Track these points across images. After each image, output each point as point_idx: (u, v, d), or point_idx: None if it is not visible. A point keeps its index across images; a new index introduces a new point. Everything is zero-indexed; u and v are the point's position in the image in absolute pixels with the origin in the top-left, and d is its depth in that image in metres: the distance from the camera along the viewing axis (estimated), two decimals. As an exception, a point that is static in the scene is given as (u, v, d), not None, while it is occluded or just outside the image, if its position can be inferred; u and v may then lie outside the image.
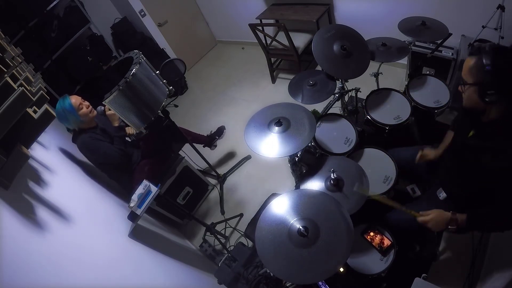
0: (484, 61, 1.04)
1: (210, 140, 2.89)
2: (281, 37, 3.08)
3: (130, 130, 2.17)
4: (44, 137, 1.69)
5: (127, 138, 2.27)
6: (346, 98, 2.15)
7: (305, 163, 2.04)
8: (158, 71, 2.00)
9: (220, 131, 3.00)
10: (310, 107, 1.84)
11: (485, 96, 1.07)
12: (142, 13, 3.91)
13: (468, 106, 1.17)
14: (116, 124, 2.00)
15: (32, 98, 0.96)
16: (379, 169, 1.69)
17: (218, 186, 2.84)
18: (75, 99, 1.85)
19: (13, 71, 1.07)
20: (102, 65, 3.66)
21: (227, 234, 2.46)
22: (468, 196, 1.31)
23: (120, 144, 2.00)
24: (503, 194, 1.13)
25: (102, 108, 1.98)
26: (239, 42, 4.66)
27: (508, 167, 1.07)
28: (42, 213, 1.11)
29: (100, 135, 1.96)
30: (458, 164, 1.34)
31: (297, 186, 1.73)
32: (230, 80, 4.16)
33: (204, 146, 2.66)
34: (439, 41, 2.19)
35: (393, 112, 1.91)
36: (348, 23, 2.15)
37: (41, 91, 1.18)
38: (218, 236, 2.29)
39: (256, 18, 3.49)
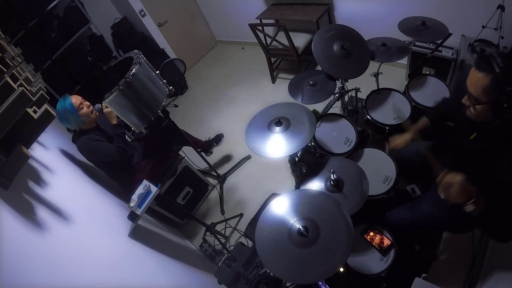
0: (502, 79, 0.97)
1: (208, 146, 2.93)
2: (281, 37, 3.08)
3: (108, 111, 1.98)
4: (44, 137, 1.70)
5: (127, 137, 2.27)
6: (346, 98, 2.15)
7: (305, 163, 2.04)
8: (158, 71, 2.00)
9: (218, 139, 3.05)
10: (310, 107, 1.84)
11: (503, 114, 1.03)
12: (142, 13, 3.91)
13: (478, 120, 1.13)
14: (114, 122, 2.00)
15: (32, 98, 0.96)
16: (379, 169, 1.69)
17: (218, 186, 2.84)
18: (75, 99, 1.84)
19: (13, 71, 1.07)
20: (102, 65, 3.66)
21: (227, 234, 2.46)
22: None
23: (119, 142, 1.99)
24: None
25: (99, 105, 1.98)
26: (239, 42, 4.66)
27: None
28: (42, 213, 1.11)
29: (99, 135, 1.96)
30: (459, 165, 1.33)
31: (297, 186, 1.73)
32: (230, 80, 4.15)
33: (200, 151, 2.69)
34: (439, 41, 2.20)
35: (393, 112, 1.91)
36: (348, 23, 2.16)
37: (41, 91, 1.18)
38: (218, 236, 2.29)
39: (256, 18, 3.48)
